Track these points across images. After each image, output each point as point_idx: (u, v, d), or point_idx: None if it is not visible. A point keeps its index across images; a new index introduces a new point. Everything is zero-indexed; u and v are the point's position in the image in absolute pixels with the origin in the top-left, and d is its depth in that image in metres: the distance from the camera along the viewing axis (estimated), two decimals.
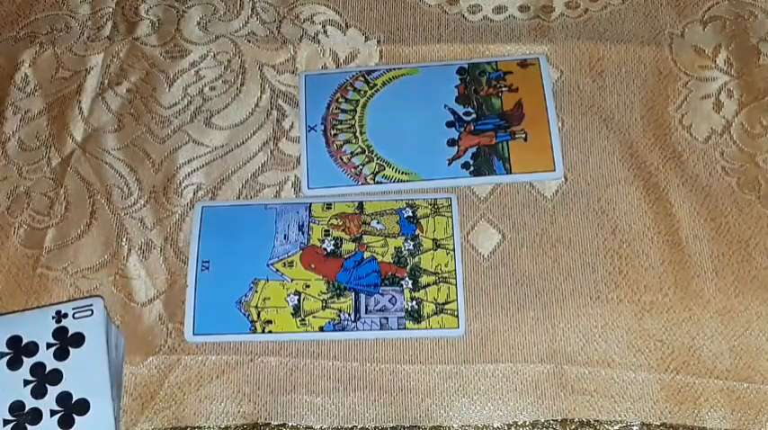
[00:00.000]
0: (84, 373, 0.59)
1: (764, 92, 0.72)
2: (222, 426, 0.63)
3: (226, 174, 0.72)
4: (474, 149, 0.71)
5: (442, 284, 0.66)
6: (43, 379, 0.59)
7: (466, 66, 0.74)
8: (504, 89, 0.73)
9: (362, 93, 0.73)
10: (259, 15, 0.78)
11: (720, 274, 0.67)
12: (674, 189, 0.69)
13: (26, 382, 0.59)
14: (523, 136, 0.71)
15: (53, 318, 0.61)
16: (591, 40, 0.75)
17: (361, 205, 0.69)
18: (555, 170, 0.70)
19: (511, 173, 0.70)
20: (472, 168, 0.70)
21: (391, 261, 0.67)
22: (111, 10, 0.79)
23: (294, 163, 0.72)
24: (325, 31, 0.77)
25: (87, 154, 0.72)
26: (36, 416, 0.58)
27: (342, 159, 0.71)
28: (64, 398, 0.58)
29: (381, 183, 0.70)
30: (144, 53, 0.76)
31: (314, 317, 0.65)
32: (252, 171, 0.72)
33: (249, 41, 0.77)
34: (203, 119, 0.74)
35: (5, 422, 0.57)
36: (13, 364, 0.59)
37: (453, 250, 0.67)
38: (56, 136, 0.73)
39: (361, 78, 0.74)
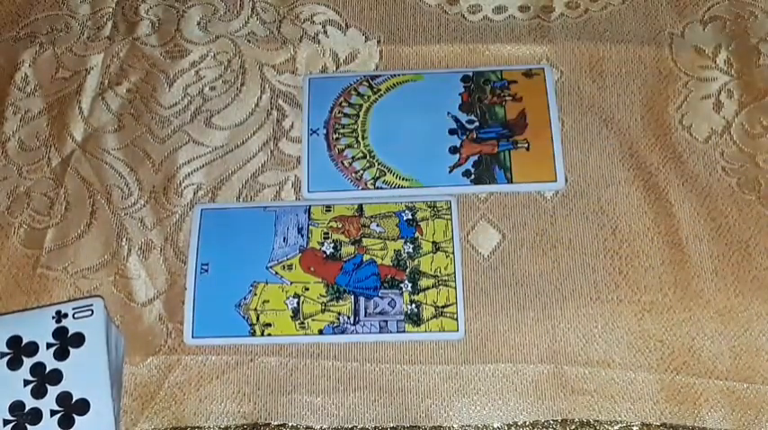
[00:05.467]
0: (84, 373, 0.59)
1: (764, 92, 0.72)
2: (222, 426, 0.64)
3: (226, 174, 0.72)
4: (475, 157, 0.71)
5: (441, 287, 0.66)
6: (43, 379, 0.59)
7: (470, 74, 0.74)
8: (508, 98, 0.73)
9: (366, 98, 0.73)
10: (259, 15, 0.78)
11: (720, 274, 0.67)
12: (674, 189, 0.69)
13: (26, 382, 0.59)
14: (526, 145, 0.71)
15: (53, 318, 0.61)
16: (591, 40, 0.75)
17: (360, 208, 0.69)
18: (556, 180, 0.70)
19: (512, 182, 0.70)
20: (473, 176, 0.70)
21: (391, 264, 0.67)
22: (111, 10, 0.79)
23: (294, 163, 0.72)
24: (325, 32, 0.77)
25: (87, 154, 0.73)
26: (36, 416, 0.58)
27: (343, 163, 0.71)
28: (64, 398, 0.58)
29: (382, 188, 0.70)
30: (144, 53, 0.76)
31: (313, 320, 0.65)
32: (252, 171, 0.72)
33: (249, 41, 0.77)
34: (203, 119, 0.74)
35: (5, 422, 0.57)
36: (13, 364, 0.59)
37: (453, 253, 0.67)
38: (56, 136, 0.73)
39: (366, 83, 0.74)
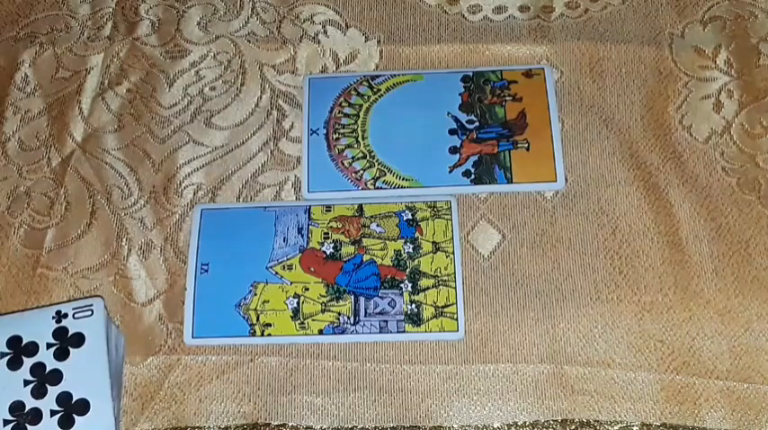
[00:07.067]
0: (84, 373, 0.59)
1: (764, 92, 0.72)
2: (222, 427, 0.64)
3: (226, 174, 0.72)
4: (475, 158, 0.71)
5: (441, 287, 0.66)
6: (43, 379, 0.59)
7: (470, 74, 0.74)
8: (508, 98, 0.73)
9: (366, 98, 0.73)
10: (259, 15, 0.78)
11: (720, 274, 0.67)
12: (674, 189, 0.70)
13: (26, 382, 0.59)
14: (526, 145, 0.71)
15: (53, 318, 0.61)
16: (591, 40, 0.75)
17: (360, 208, 0.69)
18: (556, 180, 0.70)
19: (512, 182, 0.70)
20: (473, 176, 0.70)
21: (391, 264, 0.67)
22: (111, 10, 0.79)
23: (294, 163, 0.72)
24: (325, 31, 0.77)
25: (87, 154, 0.73)
26: (36, 416, 0.58)
27: (343, 164, 0.71)
28: (64, 399, 0.58)
29: (382, 188, 0.70)
30: (144, 53, 0.76)
31: (313, 320, 0.65)
32: (252, 171, 0.72)
33: (249, 41, 0.77)
34: (203, 119, 0.74)
35: (5, 422, 0.57)
36: (14, 364, 0.59)
37: (453, 253, 0.67)
38: (56, 136, 0.73)
39: (365, 83, 0.74)
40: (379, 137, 0.72)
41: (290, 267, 0.67)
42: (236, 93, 0.75)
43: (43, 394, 0.59)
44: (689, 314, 0.65)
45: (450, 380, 0.65)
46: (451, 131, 0.72)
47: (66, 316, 0.61)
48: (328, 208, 0.69)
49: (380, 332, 0.65)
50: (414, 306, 0.66)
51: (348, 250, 0.68)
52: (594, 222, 0.69)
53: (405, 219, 0.69)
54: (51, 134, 0.74)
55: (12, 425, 0.58)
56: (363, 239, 0.68)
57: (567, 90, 0.74)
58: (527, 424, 0.63)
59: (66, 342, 0.60)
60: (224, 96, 0.75)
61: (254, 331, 0.65)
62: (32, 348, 0.60)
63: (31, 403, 0.58)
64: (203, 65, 0.76)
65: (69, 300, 0.66)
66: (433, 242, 0.68)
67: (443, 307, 0.66)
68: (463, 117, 0.72)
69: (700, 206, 0.69)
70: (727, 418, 0.63)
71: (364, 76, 0.74)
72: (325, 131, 0.72)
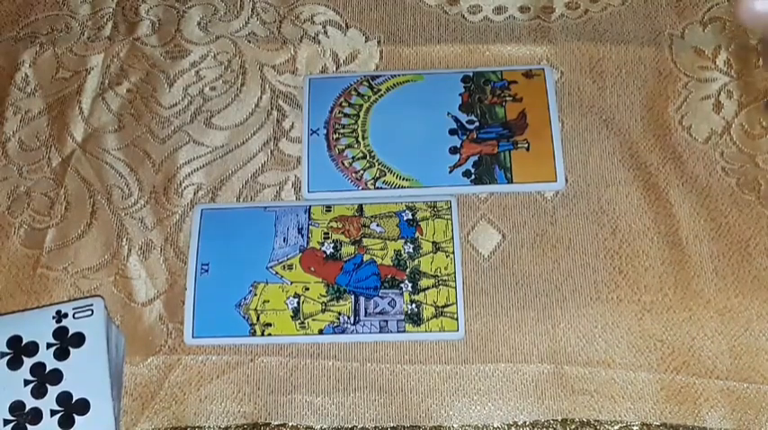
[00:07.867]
0: (84, 373, 0.59)
1: (764, 93, 0.72)
2: (222, 426, 0.64)
3: (226, 174, 0.72)
4: (476, 158, 0.71)
5: (441, 287, 0.66)
6: (43, 379, 0.59)
7: (471, 74, 0.74)
8: (508, 98, 0.73)
9: (366, 98, 0.73)
10: (259, 15, 0.78)
11: (720, 274, 0.67)
12: (674, 189, 0.70)
13: (26, 382, 0.59)
14: (526, 146, 0.71)
15: (53, 317, 0.61)
16: (591, 40, 0.75)
17: (360, 208, 0.69)
18: (556, 180, 0.70)
19: (512, 182, 0.70)
20: (473, 176, 0.70)
21: (391, 264, 0.67)
22: (111, 10, 0.79)
23: (294, 163, 0.72)
24: (325, 32, 0.77)
25: (87, 154, 0.73)
26: (36, 415, 0.58)
27: (343, 164, 0.71)
28: (64, 398, 0.58)
29: (382, 188, 0.70)
30: (144, 53, 0.76)
31: (313, 319, 0.65)
32: (252, 171, 0.72)
33: (249, 42, 0.77)
34: (203, 119, 0.74)
35: (6, 422, 0.58)
36: (14, 364, 0.59)
37: (453, 253, 0.67)
38: (56, 136, 0.73)
39: (366, 83, 0.74)
40: (380, 137, 0.72)
41: (290, 267, 0.67)
42: (237, 93, 0.75)
43: (43, 394, 0.59)
44: (689, 314, 0.65)
45: (451, 379, 0.65)
46: (452, 131, 0.72)
47: (66, 316, 0.61)
48: (328, 208, 0.69)
49: (380, 332, 0.65)
50: (414, 306, 0.66)
51: (348, 250, 0.68)
52: (594, 222, 0.69)
53: (405, 219, 0.69)
54: (51, 134, 0.74)
55: (12, 424, 0.58)
56: (363, 239, 0.68)
57: (567, 90, 0.74)
58: (527, 424, 0.63)
59: (66, 342, 0.60)
60: (224, 96, 0.75)
61: (255, 331, 0.65)
62: (32, 348, 0.60)
63: (31, 403, 0.58)
64: (203, 65, 0.76)
65: (69, 300, 0.66)
66: (433, 242, 0.68)
67: (443, 307, 0.66)
68: (463, 117, 0.72)
69: (700, 206, 0.69)
70: (727, 418, 0.63)
71: (364, 77, 0.75)
72: (325, 131, 0.72)
